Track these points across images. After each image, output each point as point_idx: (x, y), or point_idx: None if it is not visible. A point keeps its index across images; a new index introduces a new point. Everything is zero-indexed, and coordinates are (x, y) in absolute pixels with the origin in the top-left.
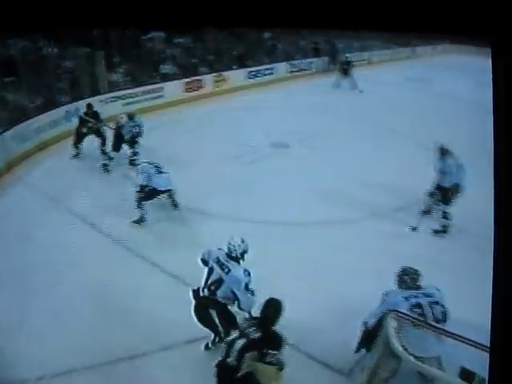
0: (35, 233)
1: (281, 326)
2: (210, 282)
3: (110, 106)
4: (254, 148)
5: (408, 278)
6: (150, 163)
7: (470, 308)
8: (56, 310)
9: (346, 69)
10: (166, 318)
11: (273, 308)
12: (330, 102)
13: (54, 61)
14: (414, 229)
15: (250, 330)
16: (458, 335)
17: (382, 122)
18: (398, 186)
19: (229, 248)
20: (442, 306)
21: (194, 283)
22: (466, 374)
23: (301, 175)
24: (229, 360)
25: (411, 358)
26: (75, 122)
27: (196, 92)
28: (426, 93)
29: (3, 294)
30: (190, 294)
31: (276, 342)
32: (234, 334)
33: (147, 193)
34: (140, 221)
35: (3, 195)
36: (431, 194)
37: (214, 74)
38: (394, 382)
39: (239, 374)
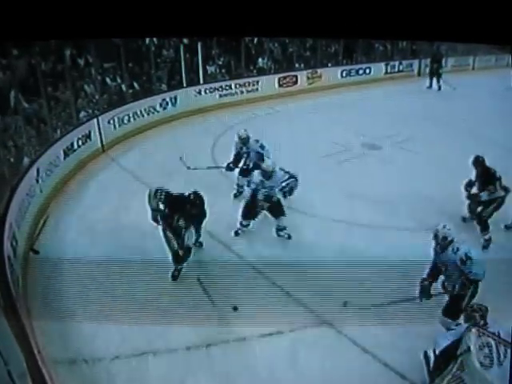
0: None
1: None
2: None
3: (206, 97)
4: (345, 147)
5: (477, 315)
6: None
7: None
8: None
9: (437, 68)
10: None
11: None
12: (426, 105)
13: (154, 50)
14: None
15: None
16: None
17: (480, 133)
18: None
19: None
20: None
21: None
22: None
23: (390, 178)
24: None
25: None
26: (171, 109)
27: (290, 87)
28: None
29: (87, 271)
30: None
31: None
32: None
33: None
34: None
35: (99, 174)
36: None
37: (308, 71)
38: None
39: None
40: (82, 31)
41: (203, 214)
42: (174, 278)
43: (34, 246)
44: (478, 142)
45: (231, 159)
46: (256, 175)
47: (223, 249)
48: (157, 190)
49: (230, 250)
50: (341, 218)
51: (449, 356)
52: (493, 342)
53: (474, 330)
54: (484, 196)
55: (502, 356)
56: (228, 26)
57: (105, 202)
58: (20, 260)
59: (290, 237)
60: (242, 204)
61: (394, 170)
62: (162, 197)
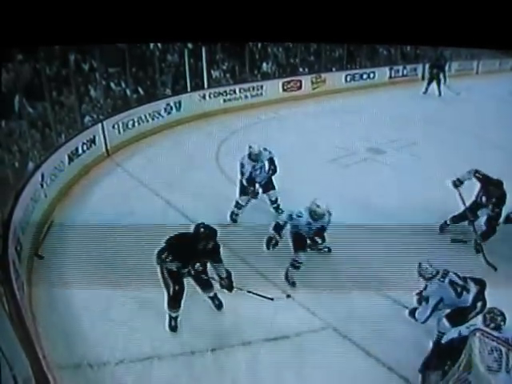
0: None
1: None
2: None
3: (210, 102)
4: (350, 151)
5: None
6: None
7: None
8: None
9: (437, 74)
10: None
11: None
12: (431, 110)
13: (158, 54)
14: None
15: None
16: None
17: (484, 137)
18: None
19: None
20: None
21: None
22: None
23: (394, 182)
24: None
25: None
26: (175, 114)
27: (294, 92)
28: None
29: (91, 277)
30: None
31: None
32: None
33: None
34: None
35: (103, 179)
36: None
37: (312, 75)
38: None
39: None
40: (92, 37)
41: (218, 245)
42: (174, 328)
43: (39, 251)
44: (483, 147)
45: (240, 190)
46: (304, 217)
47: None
48: (159, 253)
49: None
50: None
51: (451, 351)
52: (502, 348)
53: (478, 333)
54: None
55: (511, 362)
56: (234, 31)
57: (109, 206)
58: (25, 265)
59: (330, 250)
60: None
61: (399, 174)
62: (169, 257)
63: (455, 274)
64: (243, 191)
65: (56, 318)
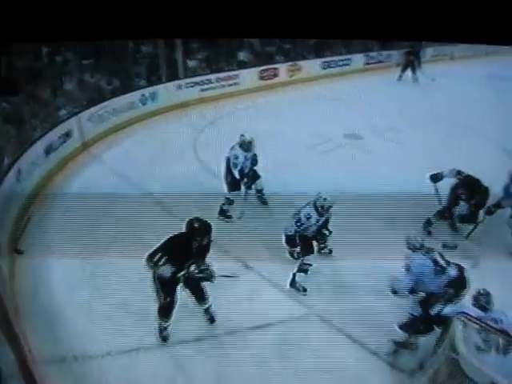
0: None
1: None
2: None
3: (186, 92)
4: (328, 138)
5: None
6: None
7: None
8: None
9: (412, 60)
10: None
11: None
12: (406, 96)
13: (132, 45)
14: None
15: None
16: None
17: (460, 120)
18: None
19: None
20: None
21: None
22: None
23: (373, 168)
24: None
25: (474, 364)
26: (151, 105)
27: (271, 80)
28: (508, 92)
29: (75, 270)
30: None
31: None
32: None
33: None
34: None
35: (80, 173)
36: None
37: (289, 63)
38: None
39: None
40: (67, 34)
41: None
42: (165, 338)
43: (18, 245)
44: (460, 131)
45: (230, 183)
46: (313, 216)
47: None
48: (150, 256)
49: None
50: None
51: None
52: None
53: (462, 317)
54: None
55: (500, 342)
56: (220, 26)
57: (88, 200)
58: (6, 260)
59: (331, 251)
60: None
61: (377, 159)
62: (162, 259)
63: (440, 254)
64: (235, 185)
65: (39, 310)
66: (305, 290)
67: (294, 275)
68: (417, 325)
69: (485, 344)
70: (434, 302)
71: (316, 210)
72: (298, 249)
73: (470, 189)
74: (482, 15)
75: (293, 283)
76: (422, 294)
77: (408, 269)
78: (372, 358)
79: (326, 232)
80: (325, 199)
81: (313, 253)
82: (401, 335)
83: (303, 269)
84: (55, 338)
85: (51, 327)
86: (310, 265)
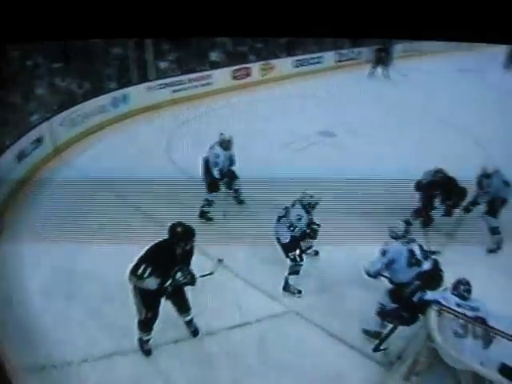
0: (83, 216)
1: None
2: None
3: (158, 93)
4: (301, 136)
5: (462, 287)
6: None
7: None
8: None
9: (383, 57)
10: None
11: None
12: (378, 91)
13: (102, 47)
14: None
15: None
16: (501, 331)
17: (433, 114)
18: None
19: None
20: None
21: None
22: (506, 370)
23: (346, 164)
24: None
25: (452, 353)
26: (123, 107)
27: (244, 80)
28: (479, 85)
29: (50, 275)
30: None
31: None
32: None
33: None
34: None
35: (53, 178)
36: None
37: (261, 62)
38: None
39: None
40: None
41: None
42: (148, 352)
43: None
44: (433, 125)
45: (209, 184)
46: (304, 217)
47: None
48: (133, 271)
49: None
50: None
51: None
52: (470, 315)
53: (436, 307)
54: None
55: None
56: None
57: (61, 205)
58: None
59: (317, 253)
60: None
61: (350, 156)
62: (147, 270)
63: (420, 247)
64: (214, 185)
65: (15, 318)
66: (300, 292)
67: (287, 279)
68: (399, 313)
69: (462, 329)
70: (401, 293)
71: (304, 208)
72: (297, 251)
73: (446, 190)
74: (452, 12)
75: (286, 287)
76: (388, 284)
77: (383, 253)
78: (350, 352)
79: (315, 226)
80: (311, 196)
81: (301, 252)
82: (375, 324)
83: (295, 270)
84: (32, 346)
85: (28, 335)
86: (302, 265)
